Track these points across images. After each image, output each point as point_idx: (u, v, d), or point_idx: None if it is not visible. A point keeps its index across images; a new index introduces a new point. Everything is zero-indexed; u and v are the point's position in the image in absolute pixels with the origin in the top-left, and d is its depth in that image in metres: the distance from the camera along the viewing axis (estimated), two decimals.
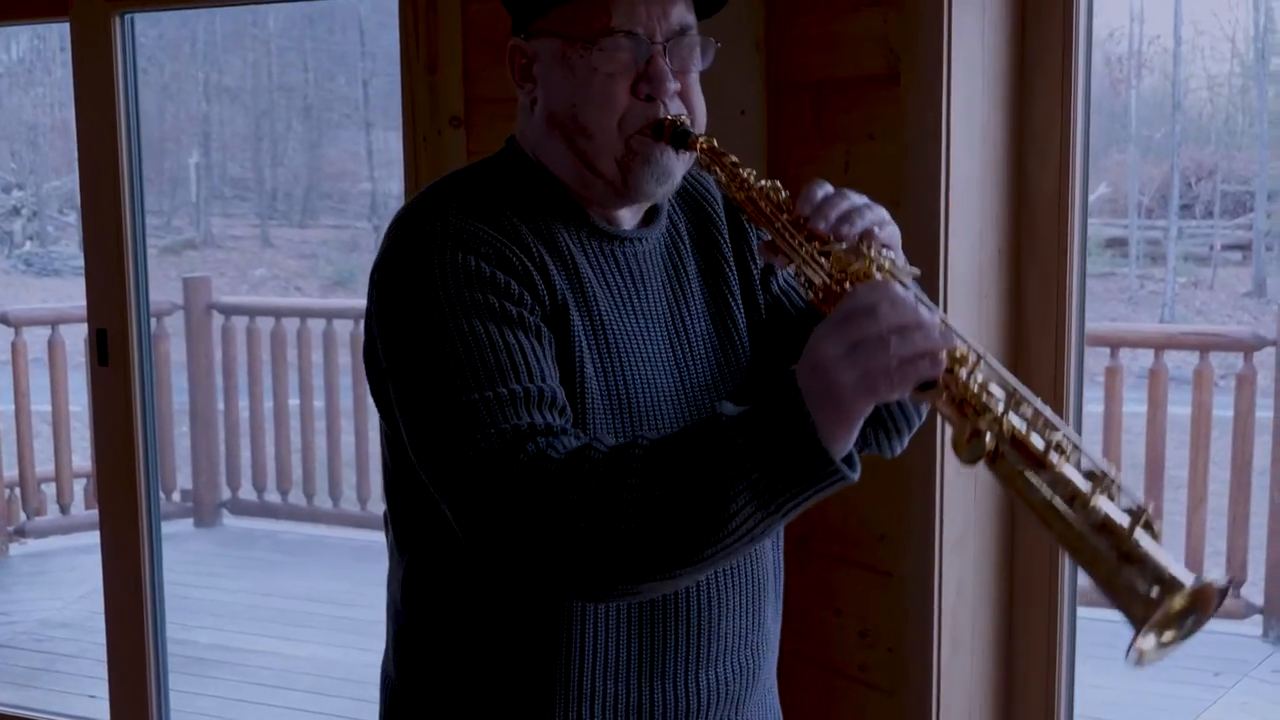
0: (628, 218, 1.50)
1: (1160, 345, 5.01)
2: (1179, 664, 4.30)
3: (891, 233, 1.37)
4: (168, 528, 5.87)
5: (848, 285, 1.26)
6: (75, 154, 3.28)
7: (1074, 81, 2.26)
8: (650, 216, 1.53)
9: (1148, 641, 1.08)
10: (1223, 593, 1.09)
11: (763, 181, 1.39)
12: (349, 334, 5.89)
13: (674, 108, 1.42)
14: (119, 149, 3.19)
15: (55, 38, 12.88)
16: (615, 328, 1.43)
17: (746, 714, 1.55)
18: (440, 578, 1.47)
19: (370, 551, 5.43)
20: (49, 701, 4.20)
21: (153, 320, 5.88)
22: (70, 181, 12.60)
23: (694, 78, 1.46)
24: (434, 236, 1.36)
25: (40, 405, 5.94)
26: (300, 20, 13.84)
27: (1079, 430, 2.31)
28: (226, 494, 6.14)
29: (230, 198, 14.39)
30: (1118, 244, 12.25)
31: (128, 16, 3.15)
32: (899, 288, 1.21)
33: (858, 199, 1.36)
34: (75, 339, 5.64)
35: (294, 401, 5.99)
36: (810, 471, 1.17)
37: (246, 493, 6.12)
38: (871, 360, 1.16)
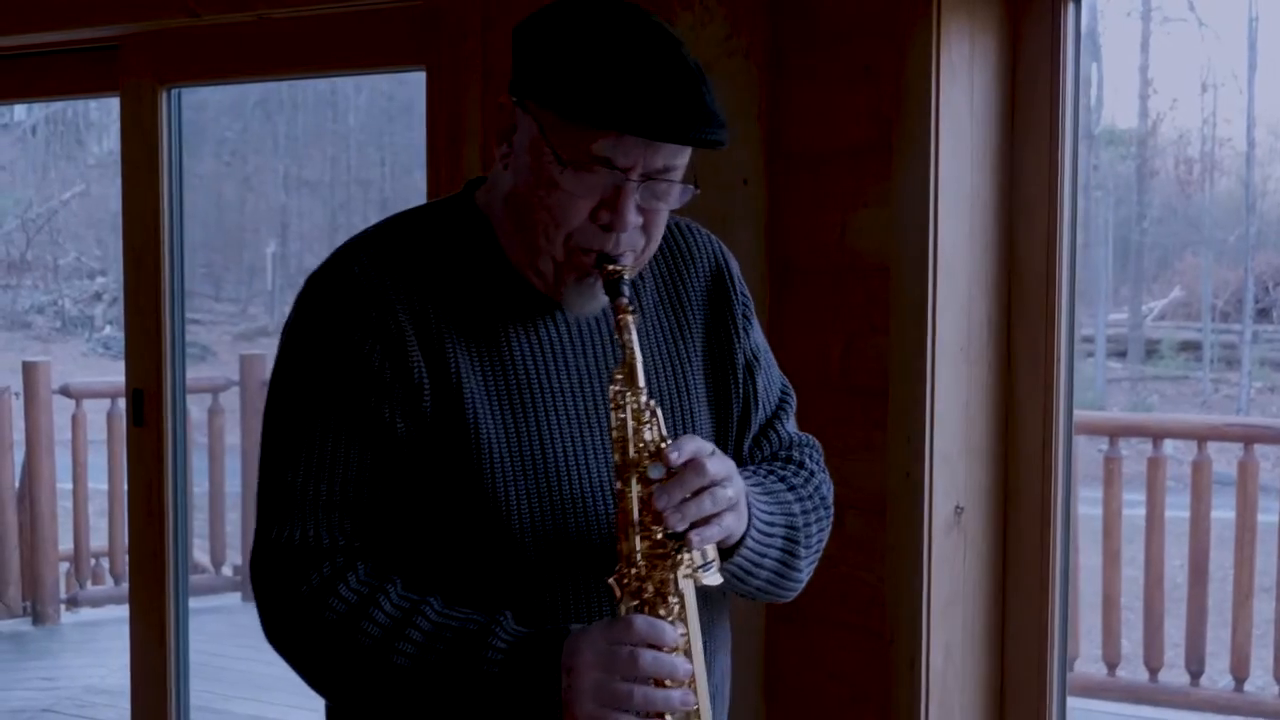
0: None
1: (1204, 437, 4.96)
2: None
3: (730, 525, 1.38)
4: (216, 600, 5.98)
5: (645, 586, 1.34)
6: None
7: (1061, 155, 2.30)
8: None
9: None
10: None
11: (645, 398, 1.37)
12: None
13: (626, 241, 1.39)
14: (161, 214, 3.33)
15: None
16: (534, 383, 1.44)
17: None
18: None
19: None
20: None
21: (209, 396, 6.08)
22: None
23: (661, 215, 1.42)
24: (329, 296, 1.44)
25: (98, 484, 6.07)
26: (379, 116, 14.22)
27: (1074, 520, 2.32)
28: None
29: None
30: (1191, 347, 12.09)
31: (174, 92, 3.32)
32: (670, 636, 1.32)
33: (716, 497, 1.35)
34: None
35: None
36: None
37: None
38: (611, 705, 1.31)
